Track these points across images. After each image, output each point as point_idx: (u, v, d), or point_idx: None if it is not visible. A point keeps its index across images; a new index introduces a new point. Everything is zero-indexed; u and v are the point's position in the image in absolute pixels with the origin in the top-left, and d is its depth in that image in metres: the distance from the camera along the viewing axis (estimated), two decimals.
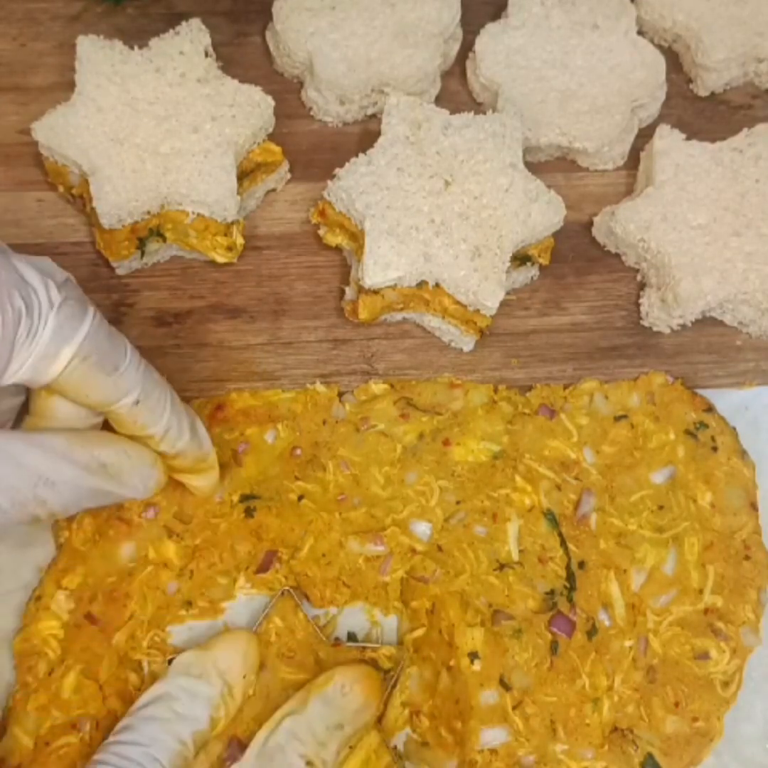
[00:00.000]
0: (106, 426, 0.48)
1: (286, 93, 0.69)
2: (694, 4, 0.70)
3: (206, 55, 0.64)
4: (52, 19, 0.72)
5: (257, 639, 0.50)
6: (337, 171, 0.60)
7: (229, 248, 0.62)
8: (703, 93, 0.71)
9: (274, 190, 0.66)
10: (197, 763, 0.47)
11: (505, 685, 0.50)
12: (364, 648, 0.52)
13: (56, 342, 0.42)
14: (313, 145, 0.68)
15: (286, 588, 0.53)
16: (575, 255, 0.65)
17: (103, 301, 0.62)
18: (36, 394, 0.47)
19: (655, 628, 0.53)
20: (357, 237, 0.61)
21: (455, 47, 0.70)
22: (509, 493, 0.55)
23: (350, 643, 0.52)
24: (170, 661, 0.49)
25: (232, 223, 0.61)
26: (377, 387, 0.59)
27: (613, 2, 0.69)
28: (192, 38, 0.64)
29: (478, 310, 0.59)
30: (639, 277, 0.64)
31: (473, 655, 0.50)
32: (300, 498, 0.55)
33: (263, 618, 0.52)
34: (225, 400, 0.58)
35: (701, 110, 0.71)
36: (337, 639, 0.53)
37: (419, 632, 0.52)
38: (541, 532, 0.54)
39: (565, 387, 0.60)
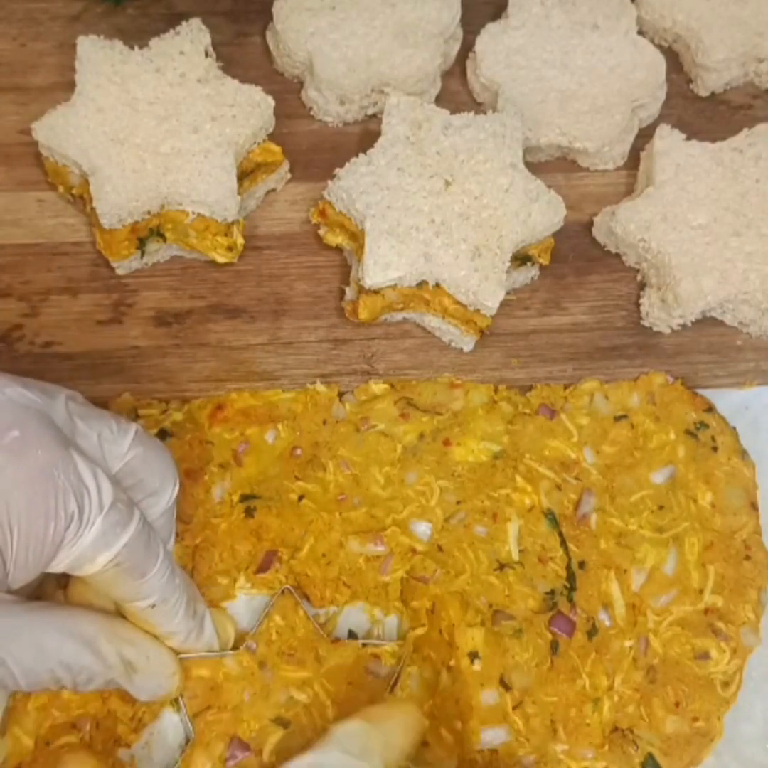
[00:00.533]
0: None
1: (287, 93, 0.69)
2: (694, 4, 0.70)
3: (206, 55, 0.64)
4: (52, 19, 0.72)
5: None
6: (338, 171, 0.60)
7: (230, 248, 0.62)
8: (703, 93, 0.71)
9: (274, 190, 0.66)
10: None
11: (505, 685, 0.50)
12: (364, 644, 0.52)
13: (96, 547, 0.42)
14: (314, 145, 0.68)
15: (286, 586, 0.53)
16: (575, 255, 0.65)
17: (103, 301, 0.62)
18: None
19: (656, 628, 0.53)
20: (357, 237, 0.61)
21: (455, 47, 0.70)
22: (509, 493, 0.55)
23: (351, 640, 0.52)
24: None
25: (233, 223, 0.61)
26: (377, 387, 0.59)
27: (613, 2, 0.69)
28: (192, 38, 0.64)
29: (478, 310, 0.59)
30: (639, 277, 0.64)
31: (473, 655, 0.50)
32: (300, 498, 0.55)
33: (264, 617, 0.52)
34: (225, 400, 0.58)
35: (701, 110, 0.71)
36: (337, 638, 0.52)
37: (419, 631, 0.52)
38: (542, 532, 0.54)
39: (566, 387, 0.60)
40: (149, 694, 0.48)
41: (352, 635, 0.53)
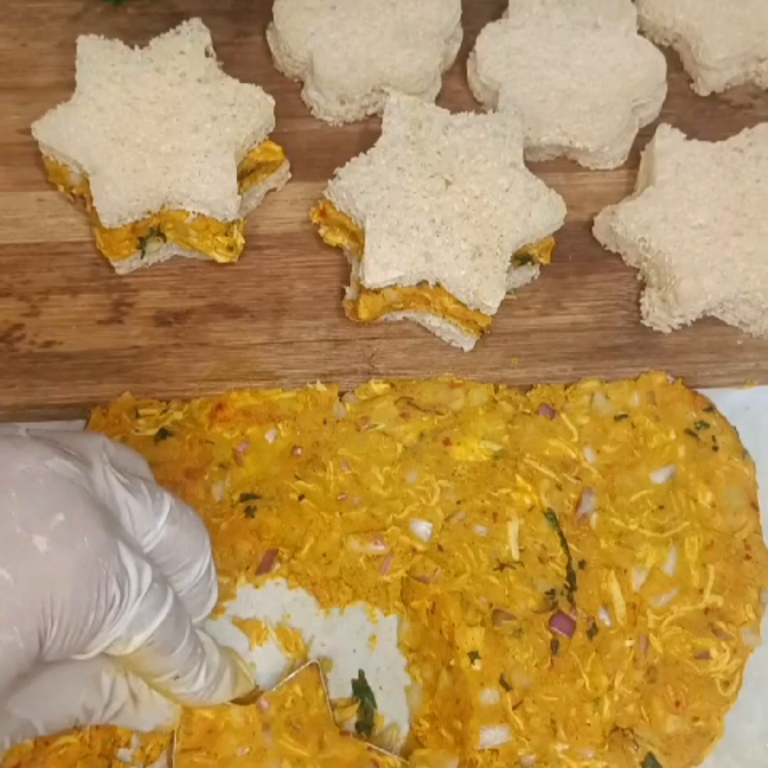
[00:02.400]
0: None
1: (287, 92, 0.69)
2: (694, 3, 0.70)
3: (207, 54, 0.64)
4: (52, 19, 0.72)
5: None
6: (338, 170, 0.60)
7: (230, 248, 0.62)
8: (703, 92, 0.71)
9: (274, 189, 0.66)
10: None
11: (505, 684, 0.50)
12: (370, 748, 0.50)
13: (132, 630, 0.42)
14: (314, 145, 0.68)
15: (316, 661, 0.51)
16: (576, 254, 0.65)
17: (103, 301, 0.62)
18: None
19: (656, 627, 0.52)
20: (357, 236, 0.61)
21: (456, 47, 0.70)
22: (510, 493, 0.55)
23: (358, 738, 0.50)
24: None
25: (233, 222, 0.61)
26: (378, 386, 0.59)
27: (613, 2, 0.69)
28: (192, 38, 0.64)
29: (478, 310, 0.59)
30: (639, 277, 0.64)
31: (473, 655, 0.50)
32: (300, 497, 0.55)
33: (285, 682, 0.51)
34: (225, 399, 0.58)
35: (702, 110, 0.71)
36: (346, 731, 0.51)
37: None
38: (542, 532, 0.54)
39: (566, 387, 0.60)
40: (152, 724, 0.48)
41: (362, 728, 0.51)
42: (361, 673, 0.52)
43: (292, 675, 0.51)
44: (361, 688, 0.52)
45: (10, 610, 0.37)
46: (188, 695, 0.47)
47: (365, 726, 0.52)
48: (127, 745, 0.50)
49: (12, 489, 0.39)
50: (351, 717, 0.52)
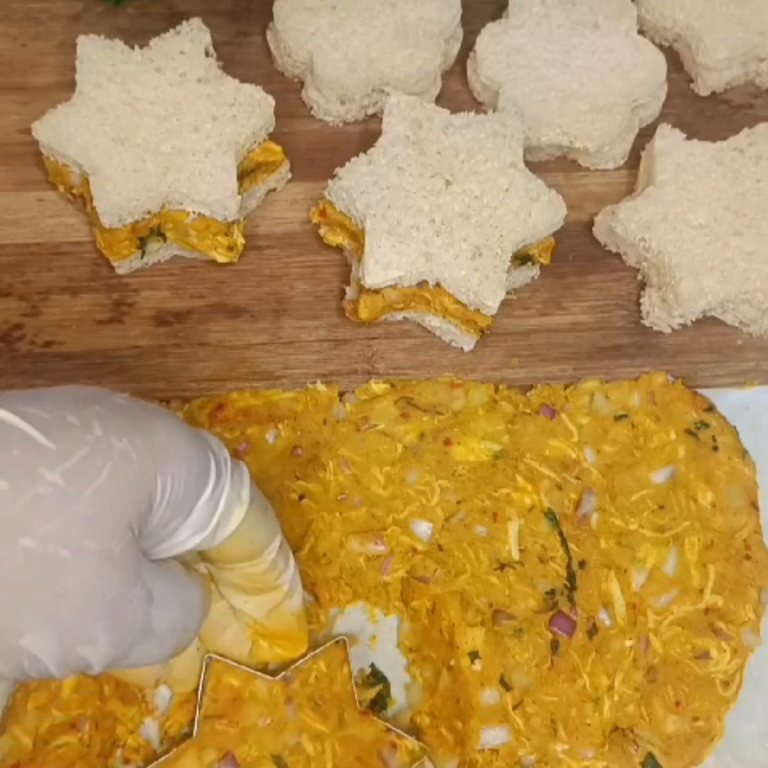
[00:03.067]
0: None
1: (287, 92, 0.69)
2: (694, 3, 0.70)
3: (207, 54, 0.64)
4: (52, 19, 0.72)
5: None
6: (338, 170, 0.60)
7: (230, 248, 0.62)
8: (703, 92, 0.71)
9: (274, 189, 0.66)
10: None
11: (505, 684, 0.50)
12: (389, 730, 0.50)
13: (235, 487, 0.43)
14: (314, 145, 0.68)
15: (343, 637, 0.52)
16: (576, 254, 0.65)
17: (103, 301, 0.62)
18: None
19: (656, 627, 0.52)
20: (358, 236, 0.61)
21: (456, 47, 0.70)
22: (510, 493, 0.55)
23: (378, 718, 0.51)
24: None
25: (233, 222, 0.61)
26: (378, 387, 0.59)
27: (613, 2, 0.69)
28: (193, 38, 0.64)
29: (478, 310, 0.59)
30: (639, 277, 0.64)
31: (474, 655, 0.50)
32: (301, 497, 0.55)
33: (311, 656, 0.51)
34: (225, 399, 0.58)
35: (702, 110, 0.71)
36: (367, 710, 0.51)
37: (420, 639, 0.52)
38: (542, 532, 0.54)
39: (566, 386, 0.60)
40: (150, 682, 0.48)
41: (378, 705, 0.52)
42: (373, 665, 0.53)
43: (319, 650, 0.51)
44: (378, 673, 0.53)
45: (114, 426, 0.38)
46: (283, 583, 0.47)
47: (380, 706, 0.52)
48: (133, 743, 0.50)
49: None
50: (369, 697, 0.52)
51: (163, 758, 0.49)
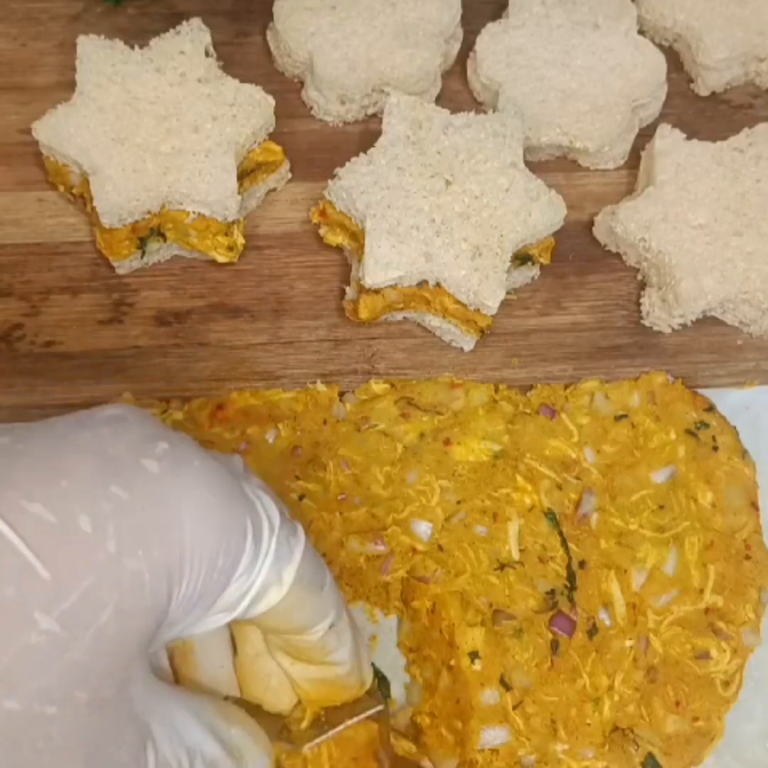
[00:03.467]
0: None
1: (287, 92, 0.69)
2: (695, 3, 0.70)
3: (207, 54, 0.64)
4: (52, 19, 0.72)
5: None
6: (338, 170, 0.60)
7: (230, 248, 0.62)
8: (703, 92, 0.71)
9: (274, 189, 0.66)
10: None
11: (505, 684, 0.50)
12: (386, 731, 0.47)
13: (278, 566, 0.37)
14: (314, 145, 0.68)
15: (381, 707, 0.47)
16: (576, 254, 0.65)
17: (103, 301, 0.62)
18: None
19: (656, 627, 0.52)
20: (358, 236, 0.61)
21: (456, 47, 0.70)
22: (510, 493, 0.55)
23: (371, 721, 0.47)
24: None
25: (233, 222, 0.61)
26: (378, 386, 0.59)
27: (613, 2, 0.69)
28: (193, 38, 0.64)
29: (478, 310, 0.59)
30: (639, 277, 0.64)
31: (474, 655, 0.50)
32: (301, 497, 0.55)
33: (347, 725, 0.47)
34: (225, 399, 0.58)
35: (702, 110, 0.71)
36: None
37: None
38: (542, 532, 0.54)
39: (566, 386, 0.60)
40: None
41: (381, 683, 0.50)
42: (373, 665, 0.52)
43: (354, 720, 0.46)
44: (377, 673, 0.52)
45: (130, 532, 0.32)
46: (344, 660, 0.42)
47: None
48: None
49: (103, 425, 0.34)
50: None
51: None
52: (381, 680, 0.52)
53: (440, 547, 0.54)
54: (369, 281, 0.58)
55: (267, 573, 0.36)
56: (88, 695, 0.31)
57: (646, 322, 0.63)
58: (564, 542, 0.54)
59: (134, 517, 0.32)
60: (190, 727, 0.37)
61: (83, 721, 0.31)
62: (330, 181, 0.60)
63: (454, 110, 0.63)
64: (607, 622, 0.53)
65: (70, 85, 0.63)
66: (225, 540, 0.34)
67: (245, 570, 0.35)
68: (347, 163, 0.61)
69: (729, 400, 0.59)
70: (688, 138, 0.64)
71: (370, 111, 0.68)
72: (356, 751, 0.48)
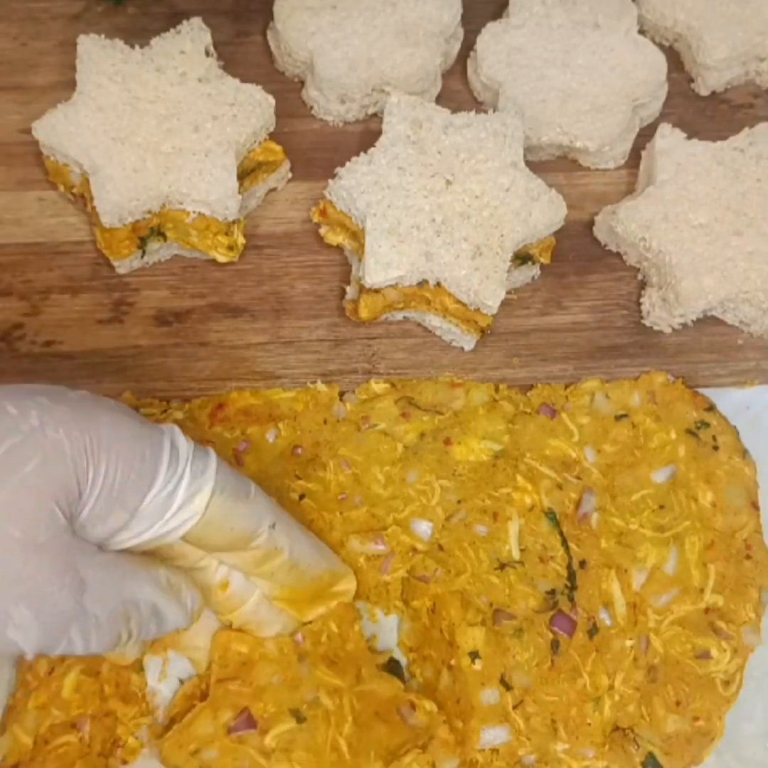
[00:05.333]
0: None
1: (287, 92, 0.69)
2: (695, 3, 0.70)
3: (207, 54, 0.64)
4: (52, 19, 0.72)
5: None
6: (338, 170, 0.60)
7: (230, 247, 0.62)
8: (704, 92, 0.71)
9: (275, 189, 0.66)
10: None
11: (505, 684, 0.50)
12: (407, 689, 0.50)
13: (196, 478, 0.43)
14: (314, 145, 0.68)
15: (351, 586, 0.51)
16: (576, 254, 0.65)
17: (103, 301, 0.62)
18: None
19: (656, 627, 0.52)
20: (358, 236, 0.61)
21: (456, 46, 0.70)
22: (510, 493, 0.55)
23: (395, 677, 0.51)
24: None
25: (233, 222, 0.61)
26: (378, 386, 0.59)
27: (614, 1, 0.69)
28: (193, 37, 0.64)
29: (479, 310, 0.59)
30: (640, 277, 0.64)
31: (474, 655, 0.50)
32: (301, 497, 0.55)
33: (319, 617, 0.50)
34: (226, 399, 0.58)
35: (702, 109, 0.71)
36: (383, 669, 0.51)
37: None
38: (542, 532, 0.54)
39: (566, 386, 0.60)
40: (187, 613, 0.46)
41: (394, 664, 0.52)
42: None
43: (327, 610, 0.51)
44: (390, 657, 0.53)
45: (51, 416, 0.39)
46: (300, 560, 0.48)
47: (396, 673, 0.52)
48: (133, 743, 0.50)
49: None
50: (383, 661, 0.52)
51: (176, 726, 0.48)
52: (394, 663, 0.52)
53: (440, 547, 0.54)
54: (369, 281, 0.58)
55: (187, 486, 0.42)
56: (19, 533, 0.38)
57: (647, 322, 0.62)
58: (564, 542, 0.54)
59: (56, 413, 0.40)
60: (133, 576, 0.43)
61: (18, 559, 0.38)
62: (330, 181, 0.60)
63: (455, 110, 0.63)
64: (608, 622, 0.53)
65: (71, 85, 0.63)
66: (139, 447, 0.41)
67: (164, 480, 0.42)
68: (348, 163, 0.61)
69: (729, 400, 0.59)
70: (689, 137, 0.64)
71: (371, 110, 0.68)
72: (379, 706, 0.49)
